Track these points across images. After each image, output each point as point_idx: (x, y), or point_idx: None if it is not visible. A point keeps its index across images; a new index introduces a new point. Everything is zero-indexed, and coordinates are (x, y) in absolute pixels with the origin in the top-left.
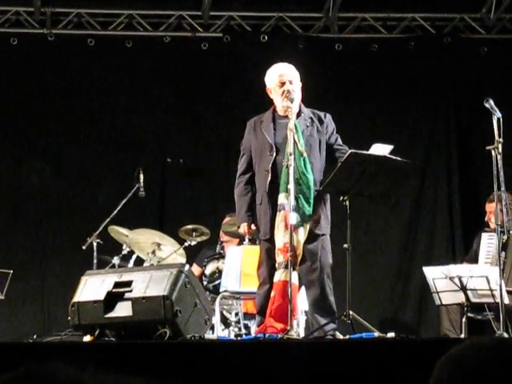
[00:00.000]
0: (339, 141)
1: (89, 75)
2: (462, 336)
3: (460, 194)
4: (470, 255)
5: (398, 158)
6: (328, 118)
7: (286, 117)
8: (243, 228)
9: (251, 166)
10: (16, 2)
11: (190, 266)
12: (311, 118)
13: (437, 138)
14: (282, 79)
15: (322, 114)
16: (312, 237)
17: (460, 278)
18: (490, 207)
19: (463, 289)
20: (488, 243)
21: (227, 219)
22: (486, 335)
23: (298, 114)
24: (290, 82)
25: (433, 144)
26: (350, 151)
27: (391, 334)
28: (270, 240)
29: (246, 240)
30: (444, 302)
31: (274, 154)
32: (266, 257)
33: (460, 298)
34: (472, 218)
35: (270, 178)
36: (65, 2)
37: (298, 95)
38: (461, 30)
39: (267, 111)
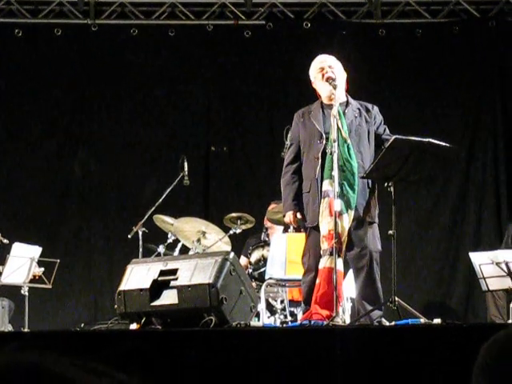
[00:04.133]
0: (387, 131)
1: (133, 65)
2: (510, 322)
3: (507, 179)
4: (505, 242)
5: (442, 143)
6: (376, 110)
7: (331, 105)
8: (289, 217)
9: (299, 156)
10: None
11: (238, 257)
12: (359, 109)
13: (483, 123)
14: (322, 65)
15: (369, 106)
16: (361, 224)
17: (507, 264)
18: None
19: (510, 274)
20: None
21: (272, 206)
22: None
23: (346, 104)
24: (330, 67)
25: (479, 129)
26: (393, 137)
27: (437, 320)
28: (318, 227)
29: (291, 227)
30: (491, 288)
31: (324, 142)
32: (312, 244)
33: (507, 283)
34: None
35: (319, 165)
36: None
37: (340, 82)
38: (506, 13)
39: (315, 102)
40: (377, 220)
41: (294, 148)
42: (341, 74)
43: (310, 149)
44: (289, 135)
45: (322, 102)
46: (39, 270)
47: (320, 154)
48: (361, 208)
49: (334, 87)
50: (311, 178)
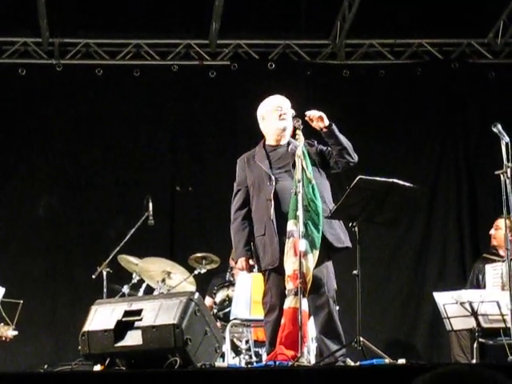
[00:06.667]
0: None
1: (97, 104)
2: (473, 361)
3: (470, 219)
4: (470, 282)
5: (406, 183)
6: (315, 142)
7: (278, 146)
8: (241, 263)
9: (247, 202)
10: (24, 32)
11: (203, 298)
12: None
13: (446, 163)
14: (278, 103)
15: (309, 141)
16: (319, 263)
17: (471, 304)
18: (496, 232)
19: (474, 314)
20: (493, 273)
21: None
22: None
23: (288, 144)
24: (286, 109)
25: (442, 169)
26: (358, 177)
27: (402, 361)
28: (278, 268)
29: (256, 268)
30: (455, 328)
31: (274, 183)
32: (273, 284)
33: (471, 323)
34: (484, 242)
35: (273, 207)
36: (73, 33)
37: (290, 123)
38: (468, 55)
39: (256, 147)
40: (349, 244)
41: (242, 194)
42: (291, 116)
43: (260, 192)
44: (235, 183)
45: (264, 144)
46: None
47: (272, 196)
48: (331, 235)
49: (285, 129)
50: (265, 221)
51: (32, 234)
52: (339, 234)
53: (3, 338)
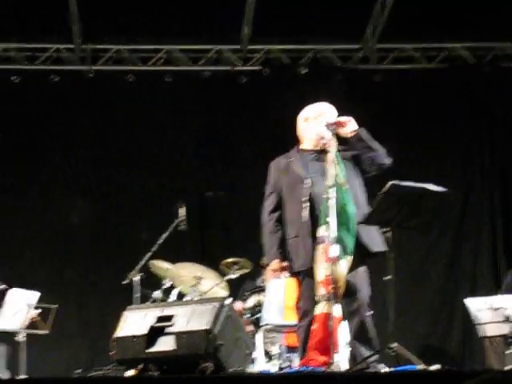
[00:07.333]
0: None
1: (129, 111)
2: (507, 368)
3: (503, 223)
4: (506, 287)
5: (439, 188)
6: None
7: (314, 151)
8: (274, 265)
9: (279, 205)
10: (57, 39)
11: (232, 303)
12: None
13: (478, 168)
14: (325, 110)
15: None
16: (352, 268)
17: (504, 310)
18: None
19: (508, 320)
20: None
21: None
22: None
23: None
24: (329, 116)
25: (475, 172)
26: (390, 183)
27: (436, 367)
28: (310, 270)
29: (287, 274)
30: (488, 334)
31: (308, 186)
32: (306, 290)
33: (504, 329)
34: None
35: (307, 209)
36: (105, 39)
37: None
38: (500, 59)
39: (290, 150)
40: (386, 248)
41: (275, 196)
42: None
43: (294, 194)
44: (266, 184)
45: (299, 148)
46: (35, 312)
47: (306, 198)
48: (367, 239)
49: (324, 137)
50: (298, 223)
51: (66, 240)
52: (377, 238)
53: (30, 320)
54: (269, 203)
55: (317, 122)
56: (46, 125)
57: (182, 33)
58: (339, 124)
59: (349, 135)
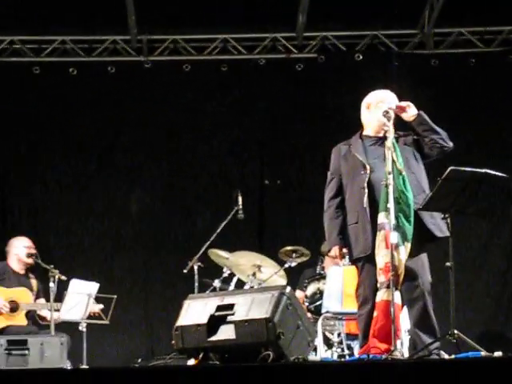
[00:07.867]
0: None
1: (185, 100)
2: None
3: None
4: None
5: (499, 173)
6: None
7: (376, 137)
8: (335, 251)
9: (341, 190)
10: (113, 30)
11: (293, 291)
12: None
13: None
14: (388, 98)
15: (403, 132)
16: (412, 255)
17: None
18: None
19: None
20: None
21: None
22: None
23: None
24: (391, 104)
25: None
26: (449, 168)
27: (498, 353)
28: (371, 257)
29: (347, 260)
30: None
31: (368, 172)
32: (366, 277)
33: None
34: None
35: (366, 195)
36: (160, 29)
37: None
38: None
39: (353, 136)
40: (448, 233)
41: (336, 182)
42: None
43: (354, 180)
44: (328, 172)
45: (361, 135)
46: (98, 307)
47: (366, 184)
48: (431, 225)
49: (386, 124)
50: (358, 209)
51: (124, 230)
52: (440, 224)
53: (91, 314)
54: (329, 189)
55: (378, 108)
56: (104, 114)
57: (237, 21)
58: (400, 109)
59: (410, 119)
